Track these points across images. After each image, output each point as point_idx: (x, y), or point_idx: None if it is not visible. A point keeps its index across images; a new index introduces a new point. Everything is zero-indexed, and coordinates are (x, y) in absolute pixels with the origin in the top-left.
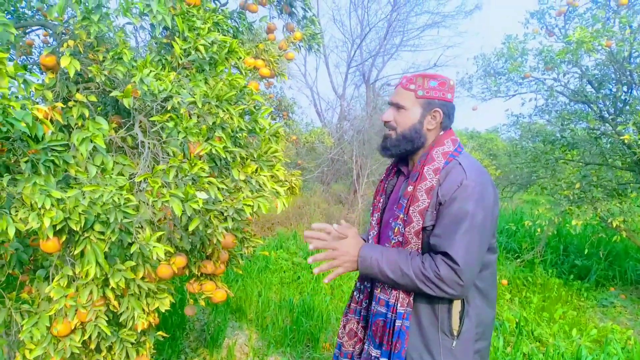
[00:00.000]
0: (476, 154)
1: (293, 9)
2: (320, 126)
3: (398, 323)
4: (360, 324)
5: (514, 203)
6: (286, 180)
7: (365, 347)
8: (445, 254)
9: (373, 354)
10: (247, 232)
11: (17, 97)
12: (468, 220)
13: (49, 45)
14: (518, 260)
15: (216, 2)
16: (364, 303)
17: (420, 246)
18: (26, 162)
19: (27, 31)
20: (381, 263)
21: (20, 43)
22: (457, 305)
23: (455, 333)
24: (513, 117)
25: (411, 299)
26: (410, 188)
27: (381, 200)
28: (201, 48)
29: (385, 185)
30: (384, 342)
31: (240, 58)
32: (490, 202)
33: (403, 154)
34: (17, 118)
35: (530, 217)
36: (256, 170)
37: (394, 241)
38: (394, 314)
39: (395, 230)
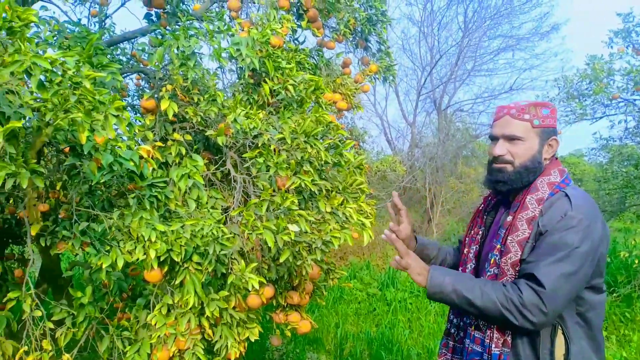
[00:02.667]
0: None
1: (368, 43)
2: (391, 154)
3: None
4: None
5: None
6: (370, 213)
7: None
8: (530, 276)
9: None
10: (332, 263)
11: (122, 138)
12: (566, 250)
13: (140, 87)
14: (614, 294)
15: (295, 41)
16: (460, 340)
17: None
18: (133, 198)
19: (123, 76)
20: (456, 284)
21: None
22: (560, 347)
23: None
24: (602, 140)
25: (508, 338)
26: (509, 218)
27: (479, 232)
28: (290, 87)
29: (485, 217)
30: None
31: (322, 93)
32: (597, 237)
33: (522, 188)
34: (126, 157)
35: (624, 247)
36: (342, 202)
37: (489, 273)
38: (489, 355)
39: (491, 262)
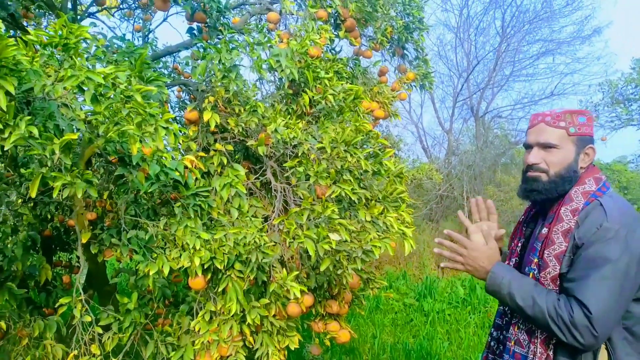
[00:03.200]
0: None
1: (405, 51)
2: (427, 162)
3: None
4: None
5: None
6: (410, 222)
7: None
8: (578, 300)
9: None
10: (372, 272)
11: (167, 149)
12: (607, 265)
13: (181, 99)
14: None
15: (332, 51)
16: (500, 353)
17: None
18: (179, 206)
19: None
20: (513, 286)
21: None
22: None
23: None
24: None
25: (550, 353)
26: (545, 230)
27: (519, 244)
28: (330, 97)
29: (524, 229)
30: None
31: (361, 102)
32: (637, 246)
33: (556, 197)
34: (172, 167)
35: None
36: (382, 211)
37: None
38: None
39: (530, 276)
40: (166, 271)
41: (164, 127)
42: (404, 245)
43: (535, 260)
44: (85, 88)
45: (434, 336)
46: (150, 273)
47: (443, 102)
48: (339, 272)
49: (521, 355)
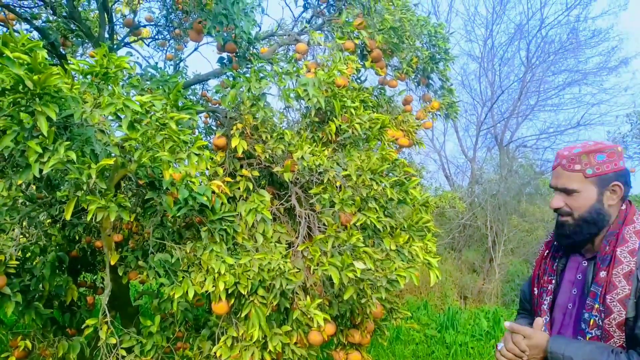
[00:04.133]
0: None
1: (430, 80)
2: (450, 190)
3: None
4: None
5: None
6: (434, 252)
7: None
8: None
9: None
10: (395, 302)
11: (195, 174)
12: None
13: (208, 125)
14: None
15: (358, 80)
16: None
17: (624, 340)
18: (205, 231)
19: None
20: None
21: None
22: None
23: None
24: None
25: None
26: (603, 274)
27: (552, 281)
28: (357, 126)
29: (555, 264)
30: None
31: (387, 131)
32: None
33: (588, 239)
34: (200, 192)
35: None
36: (407, 240)
37: (589, 336)
38: None
39: (591, 323)
40: (191, 295)
41: (196, 154)
42: (429, 275)
43: (597, 306)
44: (122, 115)
45: None
46: (176, 296)
47: (467, 131)
48: (363, 301)
49: None
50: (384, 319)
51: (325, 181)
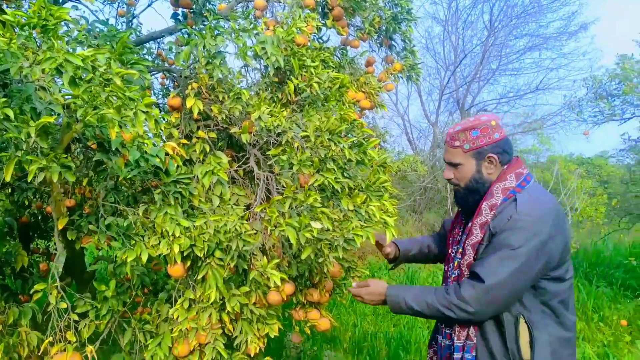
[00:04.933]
0: (586, 182)
1: (392, 41)
2: (412, 154)
3: (457, 356)
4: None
5: (630, 235)
6: (392, 212)
7: None
8: (474, 274)
9: None
10: (353, 261)
11: (148, 135)
12: (508, 249)
13: (165, 87)
14: (639, 298)
15: (320, 40)
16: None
17: None
18: (158, 193)
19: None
20: (407, 300)
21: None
22: (524, 335)
23: (529, 358)
24: (630, 141)
25: (469, 331)
26: (469, 224)
27: (460, 233)
28: (315, 85)
29: (463, 219)
30: None
31: (347, 90)
32: (543, 237)
33: (476, 203)
34: (152, 154)
35: None
36: (365, 200)
37: (453, 275)
38: (453, 347)
39: (455, 264)
40: (144, 258)
41: (144, 112)
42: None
43: (460, 250)
44: (64, 71)
45: (414, 325)
46: (128, 260)
47: (430, 95)
48: (320, 260)
49: (449, 334)
50: (343, 278)
51: (283, 142)
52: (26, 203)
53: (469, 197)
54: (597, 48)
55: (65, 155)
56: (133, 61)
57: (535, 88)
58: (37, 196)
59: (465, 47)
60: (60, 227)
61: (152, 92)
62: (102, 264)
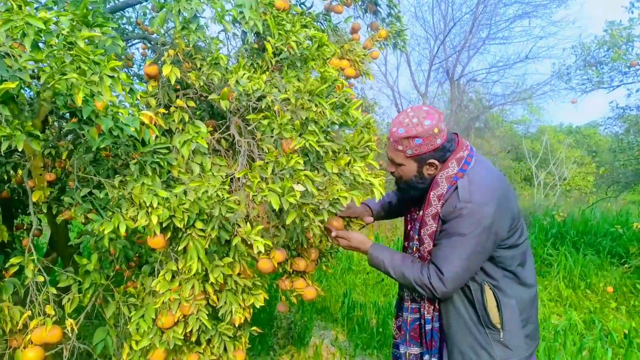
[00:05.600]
0: (575, 152)
1: (378, 7)
2: None
3: (428, 327)
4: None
5: (618, 203)
6: (379, 170)
7: (402, 350)
8: (434, 264)
9: (415, 352)
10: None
11: (124, 105)
12: (457, 237)
13: (147, 57)
14: (625, 265)
15: (302, 5)
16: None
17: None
18: (135, 164)
19: (128, 45)
20: (386, 263)
21: (122, 56)
22: (491, 300)
23: (499, 326)
24: (619, 109)
25: (435, 304)
26: (420, 213)
27: (416, 211)
28: (293, 44)
29: (417, 210)
30: (423, 342)
31: (332, 54)
32: (487, 219)
33: (416, 195)
34: (127, 123)
35: (637, 219)
36: (349, 162)
37: (413, 254)
38: (424, 320)
39: (414, 249)
40: (122, 230)
41: (110, 76)
42: (374, 195)
43: (416, 237)
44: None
45: None
46: (105, 232)
47: (419, 66)
48: (305, 224)
49: (417, 309)
50: (330, 247)
51: (263, 107)
52: (5, 178)
53: (410, 191)
54: (587, 16)
55: (40, 128)
56: (97, 23)
57: (525, 57)
58: (18, 171)
59: (454, 15)
60: (34, 199)
61: (132, 63)
62: (86, 238)
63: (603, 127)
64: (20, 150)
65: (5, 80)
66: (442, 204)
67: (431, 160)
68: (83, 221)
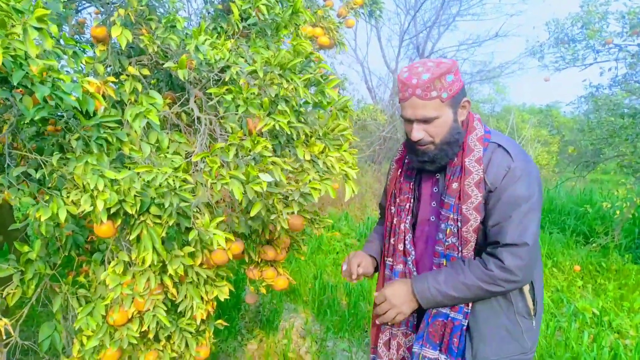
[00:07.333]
0: (540, 131)
1: None
2: (372, 103)
3: (456, 323)
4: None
5: (581, 182)
6: (353, 163)
7: (416, 349)
8: (507, 243)
9: (430, 356)
10: (316, 212)
11: (67, 70)
12: (524, 203)
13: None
14: (592, 244)
15: None
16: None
17: (476, 243)
18: (77, 139)
19: (78, 9)
20: (441, 289)
21: (73, 22)
22: (526, 286)
23: (532, 313)
24: (592, 87)
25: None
26: (455, 185)
27: (410, 200)
28: (262, 8)
29: (411, 183)
30: (443, 342)
31: (305, 21)
32: (538, 177)
33: (450, 158)
34: (66, 91)
35: (600, 198)
36: (323, 150)
37: (447, 243)
38: (450, 317)
39: (447, 232)
40: (62, 216)
41: (36, 28)
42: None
43: (452, 215)
44: None
45: (375, 276)
46: (42, 219)
47: (389, 41)
48: (272, 217)
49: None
50: (302, 232)
51: (227, 79)
52: None
53: (448, 152)
54: None
55: None
56: None
57: (495, 34)
58: None
59: None
60: None
61: (84, 30)
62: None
63: (575, 105)
64: None
65: None
66: (484, 168)
67: (465, 99)
68: (18, 205)
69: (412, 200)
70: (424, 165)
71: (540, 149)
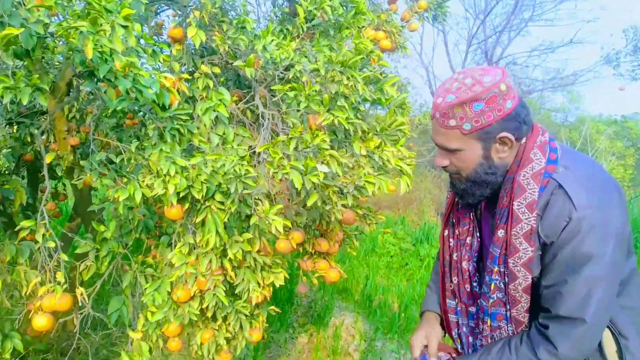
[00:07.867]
0: (616, 143)
1: None
2: None
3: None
4: None
5: None
6: (411, 158)
7: None
8: (559, 315)
9: None
10: (369, 208)
11: (146, 67)
12: (589, 266)
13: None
14: None
15: None
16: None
17: (529, 303)
18: (153, 129)
19: (157, 11)
20: None
21: (152, 23)
22: (610, 345)
23: None
24: None
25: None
26: (501, 233)
27: (472, 233)
28: (327, 9)
29: (471, 214)
30: None
31: (368, 24)
32: (619, 223)
33: (487, 197)
34: (146, 85)
35: None
36: (379, 145)
37: (492, 300)
38: None
39: (492, 287)
40: (137, 198)
41: (123, 26)
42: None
43: (496, 269)
44: None
45: (427, 280)
46: (120, 199)
47: (456, 46)
48: (327, 207)
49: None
50: (355, 228)
51: (291, 77)
52: (29, 140)
53: (475, 192)
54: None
55: (37, 76)
56: None
57: (570, 41)
58: (43, 133)
59: None
60: (48, 160)
61: (162, 31)
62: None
63: None
64: (25, 102)
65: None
66: (537, 215)
67: (503, 135)
68: (99, 187)
69: (473, 235)
70: (463, 198)
71: (615, 162)
